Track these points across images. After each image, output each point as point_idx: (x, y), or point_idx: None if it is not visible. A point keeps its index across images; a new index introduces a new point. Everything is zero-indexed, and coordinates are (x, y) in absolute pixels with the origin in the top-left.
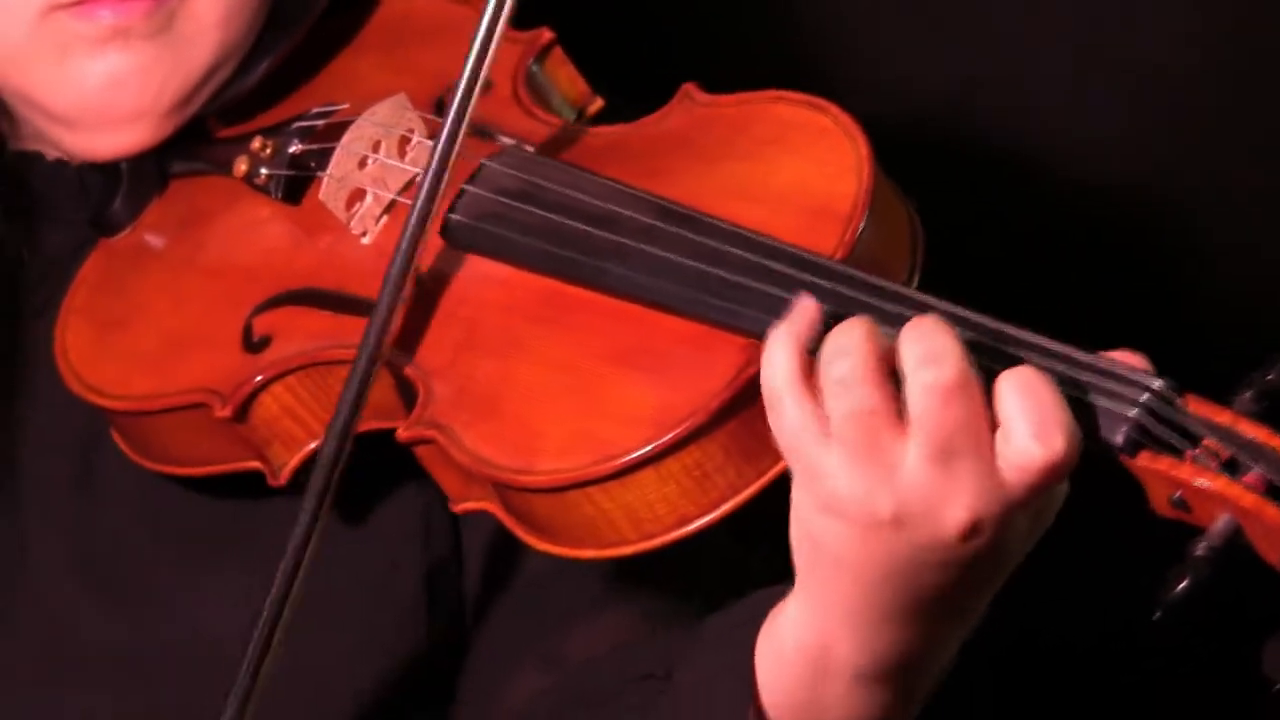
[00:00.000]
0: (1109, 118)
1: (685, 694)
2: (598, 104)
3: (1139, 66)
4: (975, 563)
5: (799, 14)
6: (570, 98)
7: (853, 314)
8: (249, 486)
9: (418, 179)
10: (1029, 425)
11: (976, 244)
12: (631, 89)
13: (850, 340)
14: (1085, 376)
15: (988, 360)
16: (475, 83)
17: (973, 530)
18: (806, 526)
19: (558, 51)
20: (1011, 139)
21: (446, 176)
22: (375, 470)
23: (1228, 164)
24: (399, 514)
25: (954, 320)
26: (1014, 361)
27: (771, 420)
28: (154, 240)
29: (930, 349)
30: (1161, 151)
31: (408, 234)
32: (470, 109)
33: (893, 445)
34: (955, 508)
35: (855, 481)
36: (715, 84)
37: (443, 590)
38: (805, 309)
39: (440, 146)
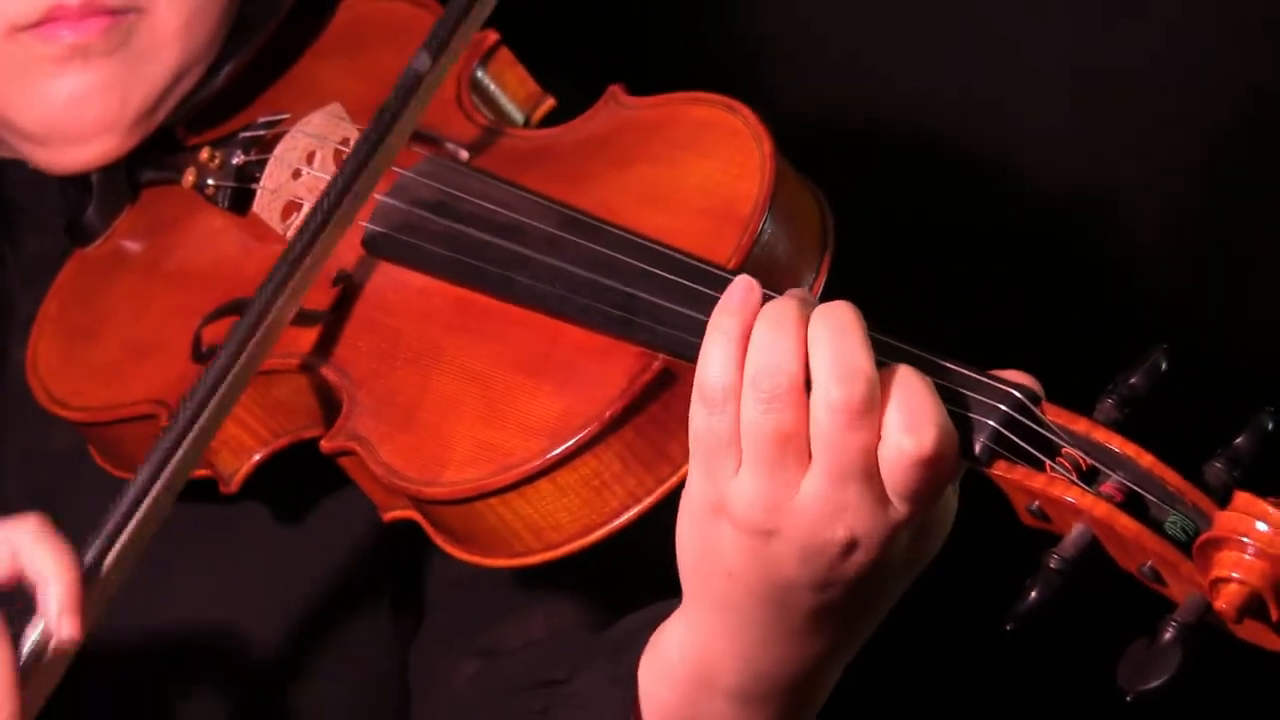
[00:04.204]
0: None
1: (575, 701)
2: (548, 104)
3: (1088, 71)
4: (856, 581)
5: (778, 19)
6: (519, 99)
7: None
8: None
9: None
10: (901, 419)
11: (895, 239)
12: (608, 80)
13: (781, 357)
14: (950, 386)
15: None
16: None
17: (850, 545)
18: (698, 532)
19: (504, 53)
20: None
21: (356, 190)
22: (330, 473)
23: (1157, 170)
24: (360, 521)
25: None
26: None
27: (696, 418)
28: (125, 249)
29: (844, 361)
30: (1088, 151)
31: (300, 242)
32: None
33: (797, 466)
34: (838, 525)
35: (753, 495)
36: (681, 80)
37: (408, 592)
38: (746, 297)
39: (347, 164)
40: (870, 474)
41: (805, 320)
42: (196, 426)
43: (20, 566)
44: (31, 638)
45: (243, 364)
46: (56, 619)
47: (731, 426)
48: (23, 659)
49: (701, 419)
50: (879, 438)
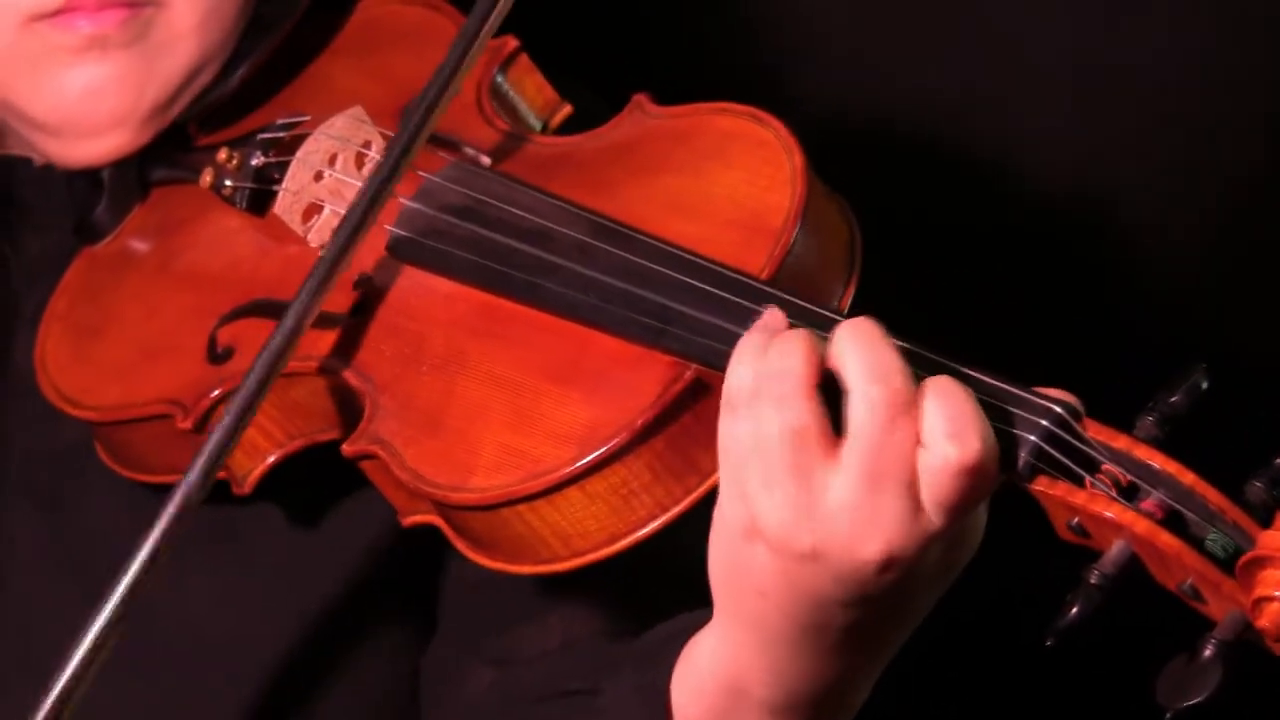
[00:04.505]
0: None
1: (602, 713)
2: (565, 111)
3: (1094, 74)
4: (889, 596)
5: (783, 18)
6: (536, 105)
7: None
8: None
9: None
10: (945, 427)
11: (925, 254)
12: (624, 88)
13: (790, 360)
14: (991, 400)
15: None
16: (429, 116)
17: (887, 563)
18: (729, 550)
19: (523, 59)
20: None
21: (386, 195)
22: (347, 476)
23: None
24: (373, 525)
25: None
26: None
27: (721, 425)
28: (135, 248)
29: (877, 362)
30: (1117, 162)
31: (335, 245)
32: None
33: (821, 467)
34: (872, 542)
35: (780, 501)
36: (697, 90)
37: (424, 596)
38: (773, 319)
39: (383, 170)
40: (907, 482)
41: (816, 339)
42: (236, 430)
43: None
44: None
45: (274, 367)
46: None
47: (755, 435)
48: None
49: (727, 427)
50: (915, 443)
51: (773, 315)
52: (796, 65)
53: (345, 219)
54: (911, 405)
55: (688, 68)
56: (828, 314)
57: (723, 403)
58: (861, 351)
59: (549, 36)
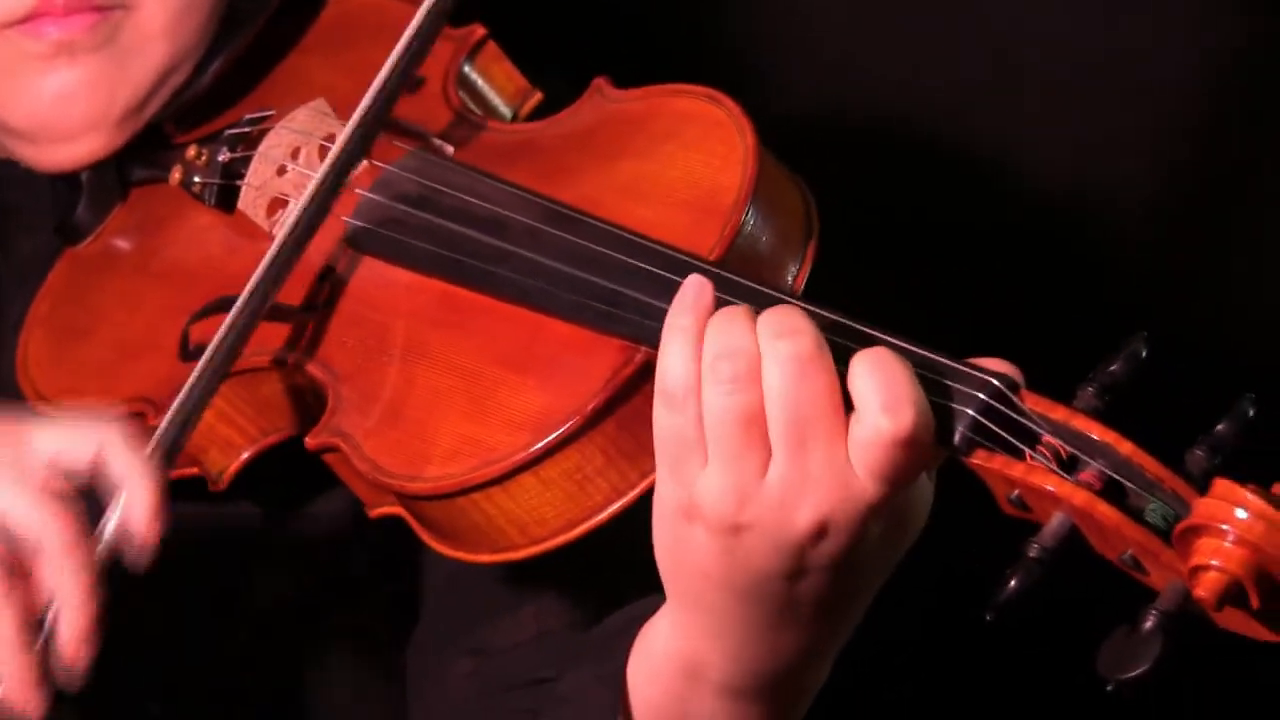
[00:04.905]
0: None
1: (563, 700)
2: (535, 98)
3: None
4: (831, 568)
5: (780, 14)
6: (506, 94)
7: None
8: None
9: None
10: (879, 398)
11: (881, 231)
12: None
13: (737, 340)
14: (928, 375)
15: (846, 341)
16: (375, 108)
17: (820, 530)
18: (670, 534)
19: (491, 47)
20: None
21: (337, 183)
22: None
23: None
24: (348, 521)
25: (813, 316)
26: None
27: (659, 418)
28: (116, 248)
29: (786, 324)
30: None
31: (282, 234)
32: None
33: (762, 451)
34: (804, 507)
35: (721, 488)
36: (672, 74)
37: (403, 589)
38: (700, 295)
39: (334, 153)
40: (830, 439)
41: (755, 315)
42: (180, 424)
43: (104, 461)
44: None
45: (223, 362)
46: (141, 518)
47: (695, 424)
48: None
49: (665, 418)
50: (833, 397)
51: (698, 289)
52: (791, 60)
53: (291, 214)
54: (822, 356)
55: (674, 62)
56: (778, 295)
57: (656, 391)
58: (772, 316)
59: (523, 26)
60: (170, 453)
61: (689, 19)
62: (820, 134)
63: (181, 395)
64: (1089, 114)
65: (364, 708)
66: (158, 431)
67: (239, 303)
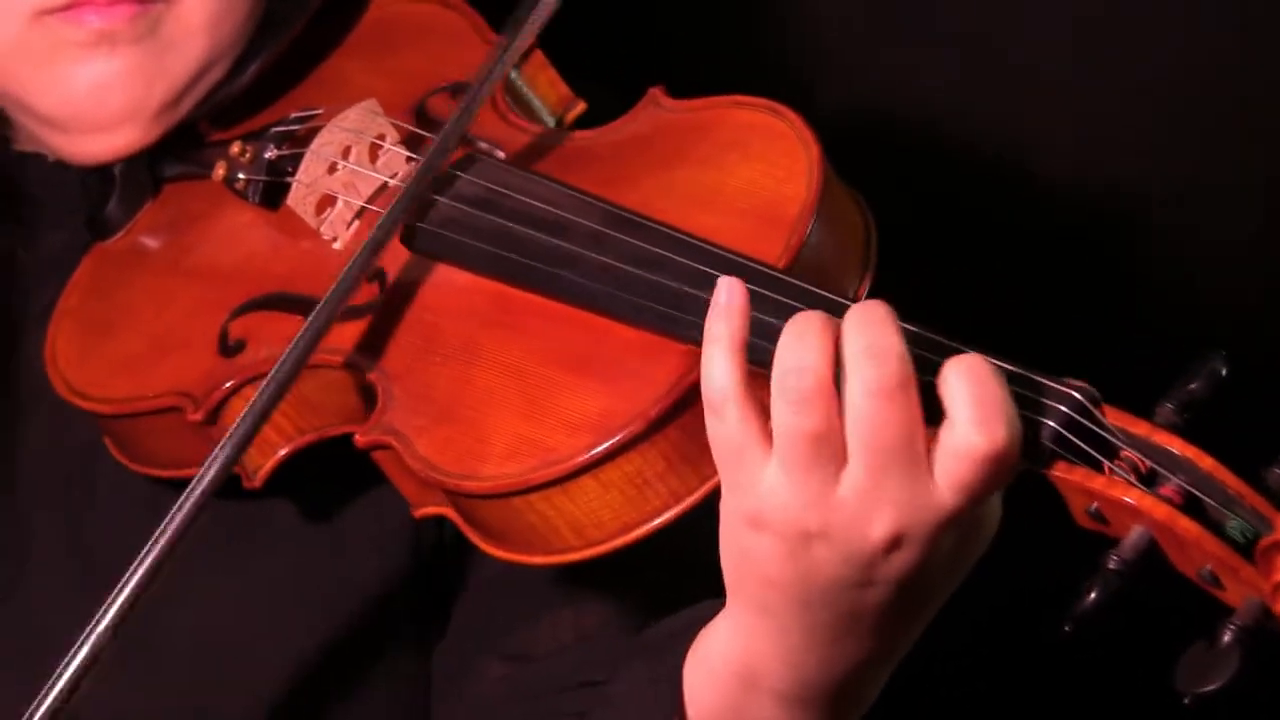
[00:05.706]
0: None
1: (616, 703)
2: (579, 108)
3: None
4: (900, 580)
5: (791, 13)
6: (550, 102)
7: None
8: (241, 486)
9: (393, 186)
10: (972, 411)
11: (940, 246)
12: (636, 84)
13: (808, 355)
14: (1011, 388)
15: (929, 353)
16: (474, 104)
17: (894, 542)
18: (736, 541)
19: (538, 56)
20: (991, 143)
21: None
22: (359, 475)
23: (1198, 167)
24: (384, 522)
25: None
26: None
27: (709, 426)
28: (146, 243)
29: (877, 342)
30: (1131, 156)
31: (370, 240)
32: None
33: (832, 463)
34: (880, 519)
35: (789, 498)
36: (711, 87)
37: (434, 592)
38: (733, 299)
39: (428, 160)
40: (912, 461)
41: (831, 324)
42: (260, 421)
43: None
44: None
45: (302, 359)
46: None
47: (739, 430)
48: None
49: (711, 426)
50: (918, 419)
51: (729, 292)
52: (811, 63)
53: (388, 213)
54: (909, 384)
55: (702, 65)
56: (844, 302)
57: (705, 403)
58: (862, 331)
59: (564, 35)
60: (243, 449)
61: (705, 22)
62: (838, 134)
63: (263, 391)
64: (1106, 112)
65: (388, 712)
66: (231, 430)
67: (321, 302)
